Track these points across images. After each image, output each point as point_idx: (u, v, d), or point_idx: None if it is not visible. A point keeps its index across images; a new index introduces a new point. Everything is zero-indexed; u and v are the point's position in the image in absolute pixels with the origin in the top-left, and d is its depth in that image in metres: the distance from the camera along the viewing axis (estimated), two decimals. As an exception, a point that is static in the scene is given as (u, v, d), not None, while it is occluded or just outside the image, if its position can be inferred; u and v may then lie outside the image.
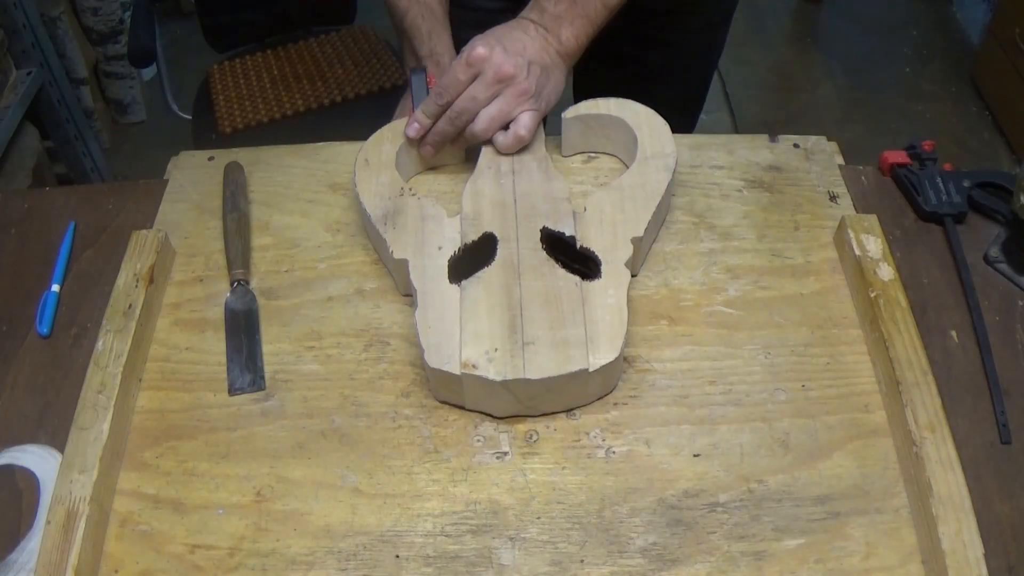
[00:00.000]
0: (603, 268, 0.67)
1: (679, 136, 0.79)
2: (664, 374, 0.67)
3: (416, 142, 0.77)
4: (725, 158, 0.83)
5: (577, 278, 0.66)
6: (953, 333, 0.69)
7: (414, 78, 0.80)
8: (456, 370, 0.61)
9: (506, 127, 0.75)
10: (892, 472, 0.61)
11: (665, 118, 0.78)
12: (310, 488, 0.61)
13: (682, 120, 0.98)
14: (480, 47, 0.72)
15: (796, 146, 0.84)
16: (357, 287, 0.74)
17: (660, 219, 0.75)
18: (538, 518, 0.59)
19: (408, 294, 0.71)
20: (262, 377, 0.68)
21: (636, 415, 0.65)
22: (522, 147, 0.76)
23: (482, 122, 0.74)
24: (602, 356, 0.62)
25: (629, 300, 0.71)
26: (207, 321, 0.72)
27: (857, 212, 0.78)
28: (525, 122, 0.74)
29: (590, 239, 0.69)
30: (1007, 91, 2.10)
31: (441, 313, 0.64)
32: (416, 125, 0.76)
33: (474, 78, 0.73)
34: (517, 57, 0.73)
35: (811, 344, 0.68)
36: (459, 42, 0.85)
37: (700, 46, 1.03)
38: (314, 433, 0.64)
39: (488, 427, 0.64)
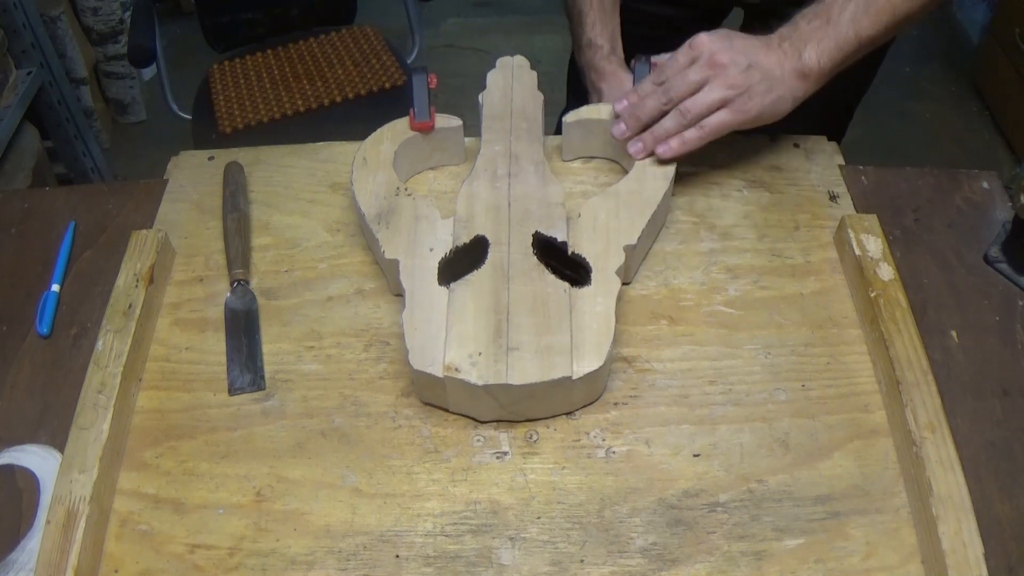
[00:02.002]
0: (593, 275, 0.67)
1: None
2: (664, 374, 0.67)
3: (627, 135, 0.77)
4: (725, 158, 0.83)
5: (566, 284, 0.66)
6: (953, 333, 0.69)
7: (415, 77, 0.79)
8: (439, 373, 0.61)
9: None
10: (892, 472, 0.61)
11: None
12: (310, 488, 0.61)
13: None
14: (705, 35, 0.73)
15: (796, 146, 0.84)
16: (357, 287, 0.74)
17: (656, 227, 0.75)
18: (538, 518, 0.59)
19: (399, 294, 0.71)
20: (262, 377, 0.68)
21: (636, 415, 0.65)
22: (674, 156, 0.74)
23: (689, 102, 0.73)
24: (587, 364, 0.62)
25: (629, 300, 0.71)
26: (207, 321, 0.72)
27: (857, 212, 0.78)
28: (715, 123, 0.72)
29: (582, 245, 0.69)
30: (1007, 91, 2.10)
31: (428, 315, 0.64)
32: (626, 101, 0.76)
33: (693, 63, 0.73)
34: (739, 55, 0.72)
35: (811, 344, 0.68)
36: (630, 46, 0.88)
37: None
38: (314, 433, 0.64)
39: (488, 427, 0.64)
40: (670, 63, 0.74)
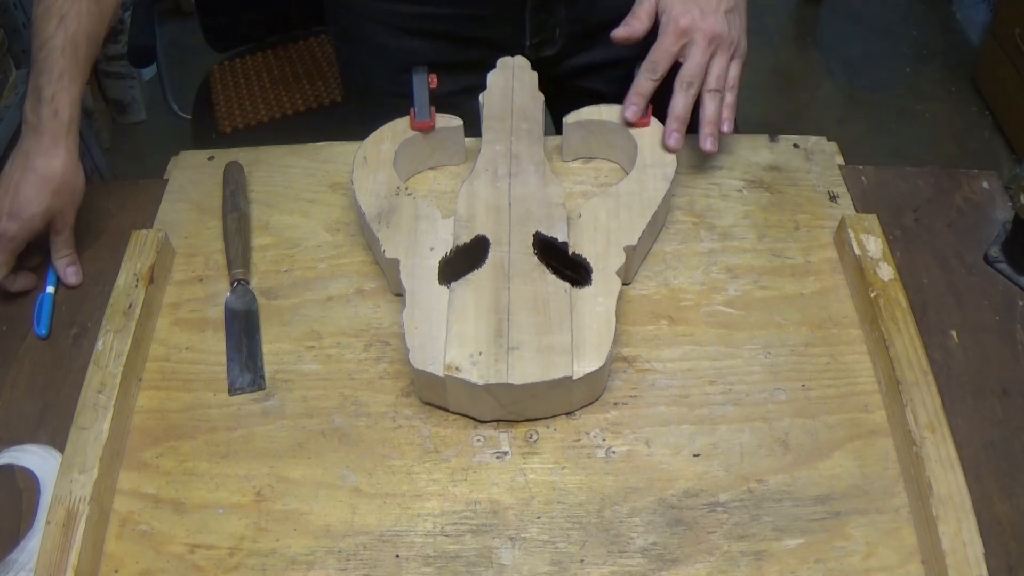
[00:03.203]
0: (594, 276, 0.67)
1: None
2: (664, 374, 0.67)
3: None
4: (725, 158, 0.83)
5: (567, 284, 0.66)
6: (953, 333, 0.69)
7: (415, 77, 0.79)
8: (440, 372, 0.61)
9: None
10: (892, 472, 0.61)
11: None
12: (310, 488, 0.61)
13: None
14: (682, 18, 0.74)
15: (796, 146, 0.84)
16: (357, 287, 0.74)
17: (656, 228, 0.75)
18: (538, 518, 0.59)
19: (399, 294, 0.71)
20: (262, 377, 0.68)
21: (636, 415, 0.65)
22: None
23: (712, 81, 0.76)
24: (587, 364, 0.62)
25: (629, 300, 0.71)
26: (207, 321, 0.72)
27: (857, 212, 0.78)
28: (733, 78, 0.77)
29: (583, 246, 0.69)
30: (1007, 91, 2.10)
31: (428, 314, 0.64)
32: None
33: (683, 47, 0.75)
34: (716, 14, 0.75)
35: (811, 344, 0.68)
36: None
37: None
38: (314, 433, 0.64)
39: (488, 427, 0.64)
40: (661, 51, 0.75)
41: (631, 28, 0.77)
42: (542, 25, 0.91)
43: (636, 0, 0.78)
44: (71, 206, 0.73)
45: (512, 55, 0.85)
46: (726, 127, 0.77)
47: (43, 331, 0.71)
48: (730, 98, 0.77)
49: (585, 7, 0.91)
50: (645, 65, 0.76)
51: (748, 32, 0.79)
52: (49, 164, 0.70)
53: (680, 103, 0.76)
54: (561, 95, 0.90)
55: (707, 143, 0.77)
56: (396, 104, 0.79)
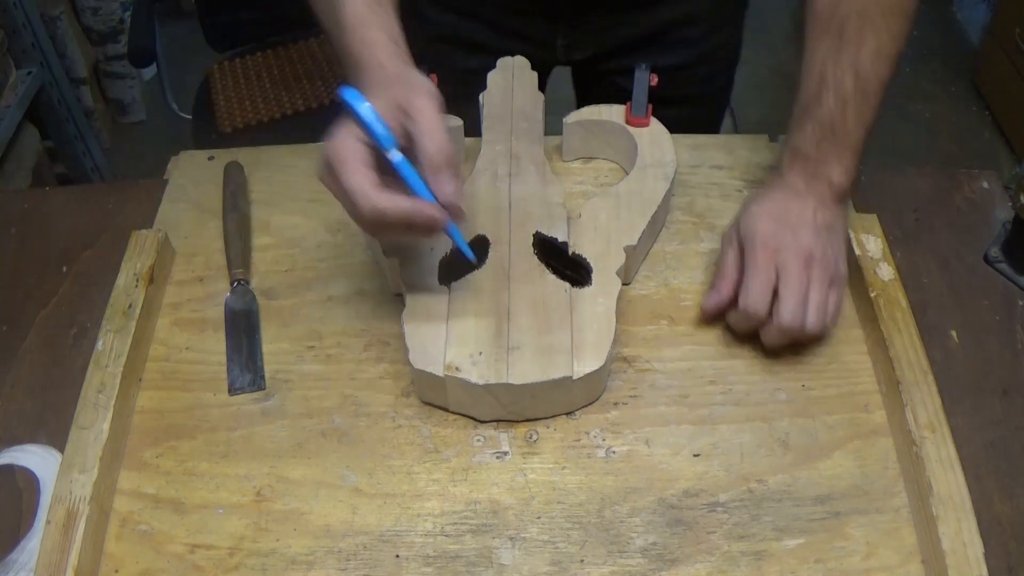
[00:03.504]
0: (594, 276, 0.67)
1: (679, 136, 0.79)
2: (664, 374, 0.67)
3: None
4: (725, 158, 0.83)
5: (567, 284, 0.66)
6: (953, 333, 0.69)
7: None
8: (440, 372, 0.61)
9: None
10: (892, 472, 0.61)
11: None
12: (310, 488, 0.61)
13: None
14: (771, 242, 0.65)
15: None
16: (357, 287, 0.74)
17: (656, 228, 0.75)
18: (538, 518, 0.59)
19: (399, 294, 0.71)
20: (262, 377, 0.68)
21: (636, 415, 0.65)
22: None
23: (812, 317, 0.64)
24: (587, 364, 0.62)
25: (629, 300, 0.71)
26: (207, 321, 0.72)
27: (857, 212, 0.77)
28: (833, 310, 0.66)
29: (583, 246, 0.69)
30: (1007, 91, 2.10)
31: (428, 314, 0.64)
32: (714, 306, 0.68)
33: (774, 265, 0.64)
34: (805, 229, 0.65)
35: (811, 344, 0.68)
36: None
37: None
38: (314, 433, 0.64)
39: (488, 427, 0.64)
40: (754, 282, 0.64)
41: (720, 295, 0.67)
42: (575, 30, 0.92)
43: (721, 249, 0.69)
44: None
45: (543, 50, 0.84)
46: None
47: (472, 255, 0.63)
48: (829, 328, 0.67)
49: (621, 23, 0.90)
50: (743, 305, 0.65)
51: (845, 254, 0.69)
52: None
53: (770, 340, 0.66)
54: (592, 91, 0.90)
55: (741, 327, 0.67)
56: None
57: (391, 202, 0.55)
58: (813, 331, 0.64)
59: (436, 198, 0.56)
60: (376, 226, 0.57)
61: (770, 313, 0.64)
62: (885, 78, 0.67)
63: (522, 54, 0.84)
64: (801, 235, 0.65)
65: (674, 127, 0.78)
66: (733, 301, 0.66)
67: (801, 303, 0.63)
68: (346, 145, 0.56)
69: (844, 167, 0.68)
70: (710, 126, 1.08)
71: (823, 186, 0.68)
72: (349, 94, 0.56)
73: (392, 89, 0.58)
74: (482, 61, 0.83)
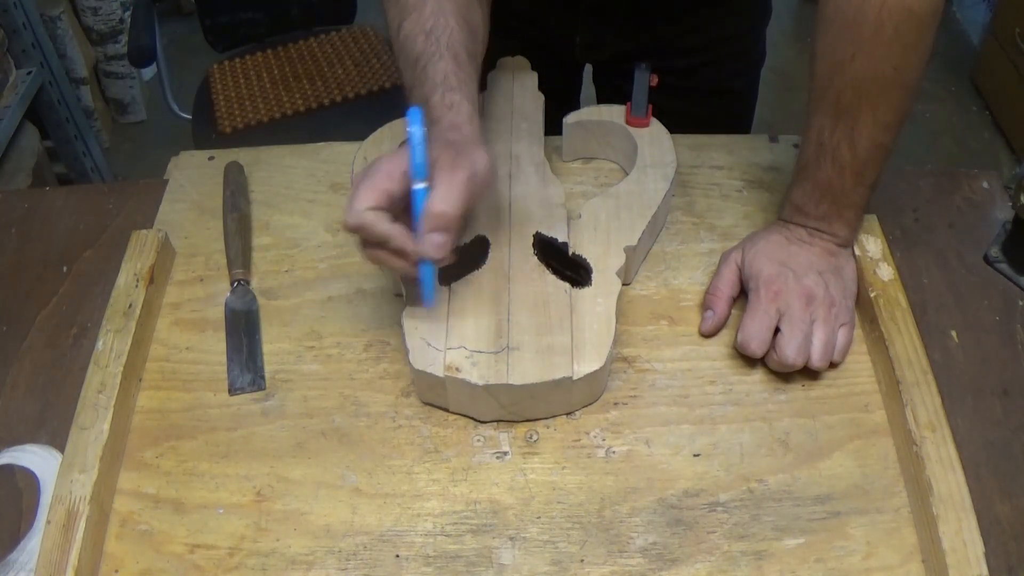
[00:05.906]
0: (594, 276, 0.67)
1: (679, 136, 0.79)
2: (664, 374, 0.67)
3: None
4: (725, 158, 0.83)
5: (567, 285, 0.66)
6: (953, 333, 0.69)
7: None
8: (440, 372, 0.61)
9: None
10: (892, 472, 0.61)
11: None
12: (310, 488, 0.61)
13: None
14: (774, 283, 0.66)
15: (796, 146, 0.84)
16: (357, 287, 0.74)
17: (656, 228, 0.75)
18: (538, 518, 0.59)
19: (399, 294, 0.71)
20: (262, 377, 0.68)
21: (636, 415, 0.65)
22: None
23: (818, 354, 0.65)
24: (587, 365, 0.62)
25: (629, 300, 0.71)
26: (207, 321, 0.72)
27: (857, 212, 0.78)
28: (841, 348, 0.67)
29: (583, 246, 0.69)
30: (1007, 91, 2.10)
31: (428, 315, 0.64)
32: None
33: (775, 306, 0.66)
34: (808, 273, 0.67)
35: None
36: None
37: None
38: (314, 433, 0.64)
39: (488, 427, 0.64)
40: (753, 322, 0.65)
41: (717, 317, 0.69)
42: (592, 31, 0.92)
43: (717, 269, 0.71)
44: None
45: (561, 45, 0.84)
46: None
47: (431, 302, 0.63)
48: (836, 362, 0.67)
49: (639, 32, 0.90)
50: (739, 342, 0.66)
51: (853, 301, 0.69)
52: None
53: (776, 369, 0.66)
54: (605, 92, 0.89)
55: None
56: None
57: (375, 218, 0.56)
58: (818, 368, 0.65)
59: (417, 248, 0.58)
60: (356, 230, 0.58)
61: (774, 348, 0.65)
62: (886, 144, 0.66)
63: (542, 51, 0.84)
64: (804, 279, 0.66)
65: (706, 123, 0.78)
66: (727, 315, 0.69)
67: (803, 340, 0.64)
68: (388, 165, 0.58)
69: (845, 222, 0.69)
70: (743, 117, 1.07)
71: (826, 238, 0.69)
72: (414, 114, 0.57)
73: (456, 146, 0.59)
74: (501, 42, 0.79)
